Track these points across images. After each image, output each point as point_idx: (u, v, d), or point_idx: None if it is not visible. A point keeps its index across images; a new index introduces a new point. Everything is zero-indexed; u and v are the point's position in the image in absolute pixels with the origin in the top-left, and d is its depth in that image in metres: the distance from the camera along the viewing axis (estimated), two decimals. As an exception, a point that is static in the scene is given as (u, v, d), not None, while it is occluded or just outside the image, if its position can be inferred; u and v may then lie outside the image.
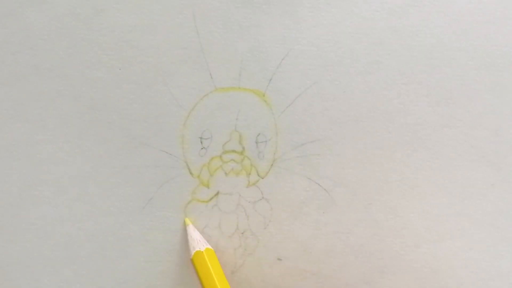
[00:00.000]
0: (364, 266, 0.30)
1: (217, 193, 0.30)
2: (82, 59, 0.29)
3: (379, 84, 0.29)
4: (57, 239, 0.30)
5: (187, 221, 0.30)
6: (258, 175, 0.30)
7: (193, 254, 0.28)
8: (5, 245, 0.29)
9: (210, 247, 0.29)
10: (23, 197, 0.29)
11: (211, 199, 0.30)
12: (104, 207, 0.30)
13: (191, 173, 0.30)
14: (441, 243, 0.29)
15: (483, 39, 0.29)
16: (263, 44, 0.29)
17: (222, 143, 0.30)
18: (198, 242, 0.29)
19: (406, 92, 0.29)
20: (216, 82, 0.29)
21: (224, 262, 0.30)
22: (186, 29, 0.29)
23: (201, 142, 0.30)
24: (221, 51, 0.29)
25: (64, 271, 0.30)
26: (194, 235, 0.29)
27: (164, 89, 0.29)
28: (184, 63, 0.29)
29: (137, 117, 0.29)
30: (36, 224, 0.29)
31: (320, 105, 0.29)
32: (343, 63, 0.29)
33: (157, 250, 0.30)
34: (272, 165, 0.30)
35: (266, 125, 0.30)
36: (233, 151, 0.30)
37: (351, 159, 0.30)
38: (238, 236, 0.30)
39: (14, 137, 0.29)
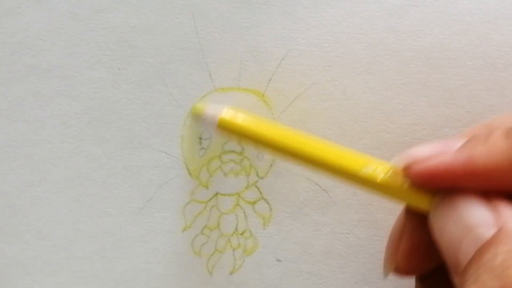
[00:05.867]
0: (364, 266, 0.30)
1: (216, 194, 0.30)
2: (81, 59, 0.29)
3: (379, 84, 0.29)
4: (56, 240, 0.29)
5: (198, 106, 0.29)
6: (258, 175, 0.30)
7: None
8: (3, 246, 0.29)
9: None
10: (21, 198, 0.29)
11: (210, 199, 0.30)
12: (102, 207, 0.29)
13: (190, 173, 0.30)
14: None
15: (483, 39, 0.29)
16: (262, 44, 0.29)
17: (222, 143, 0.30)
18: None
19: (405, 92, 0.29)
20: (216, 83, 0.29)
21: (223, 263, 0.30)
22: (185, 29, 0.29)
23: (200, 143, 0.30)
24: (221, 51, 0.29)
25: (63, 272, 0.30)
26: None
27: (163, 89, 0.29)
28: (183, 63, 0.29)
29: (136, 117, 0.29)
30: (34, 225, 0.29)
31: (320, 105, 0.29)
32: (343, 63, 0.29)
33: (156, 251, 0.30)
34: (271, 165, 0.30)
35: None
36: (233, 151, 0.30)
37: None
38: (237, 237, 0.30)
39: (13, 137, 0.29)
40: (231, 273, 0.30)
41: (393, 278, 0.30)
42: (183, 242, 0.30)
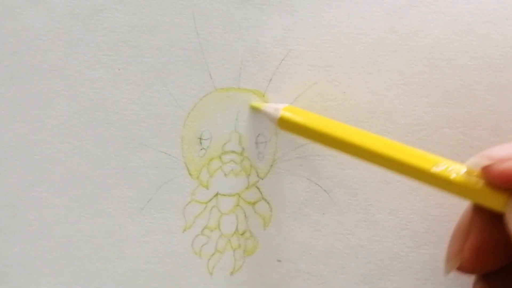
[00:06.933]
0: (364, 267, 0.30)
1: (217, 194, 0.30)
2: (81, 59, 0.29)
3: (379, 85, 0.29)
4: (56, 240, 0.29)
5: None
6: (258, 176, 0.30)
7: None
8: (3, 246, 0.29)
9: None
10: (21, 198, 0.29)
11: (210, 200, 0.30)
12: (102, 208, 0.29)
13: (190, 174, 0.30)
14: (441, 243, 0.29)
15: (483, 39, 0.29)
16: (262, 44, 0.29)
17: (222, 143, 0.30)
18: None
19: (405, 93, 0.29)
20: (216, 83, 0.29)
21: (223, 263, 0.30)
22: (185, 30, 0.29)
23: (201, 143, 0.30)
24: (221, 51, 0.29)
25: (63, 272, 0.29)
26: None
27: (163, 89, 0.29)
28: (183, 63, 0.29)
29: (136, 117, 0.29)
30: (34, 225, 0.29)
31: (320, 105, 0.29)
32: (343, 63, 0.29)
33: (156, 251, 0.30)
34: (271, 166, 0.30)
35: (266, 126, 0.30)
36: (233, 151, 0.30)
37: (351, 160, 0.29)
38: (237, 237, 0.30)
39: (12, 137, 0.29)
40: (231, 273, 0.30)
41: (394, 279, 0.30)
42: (183, 242, 0.30)
